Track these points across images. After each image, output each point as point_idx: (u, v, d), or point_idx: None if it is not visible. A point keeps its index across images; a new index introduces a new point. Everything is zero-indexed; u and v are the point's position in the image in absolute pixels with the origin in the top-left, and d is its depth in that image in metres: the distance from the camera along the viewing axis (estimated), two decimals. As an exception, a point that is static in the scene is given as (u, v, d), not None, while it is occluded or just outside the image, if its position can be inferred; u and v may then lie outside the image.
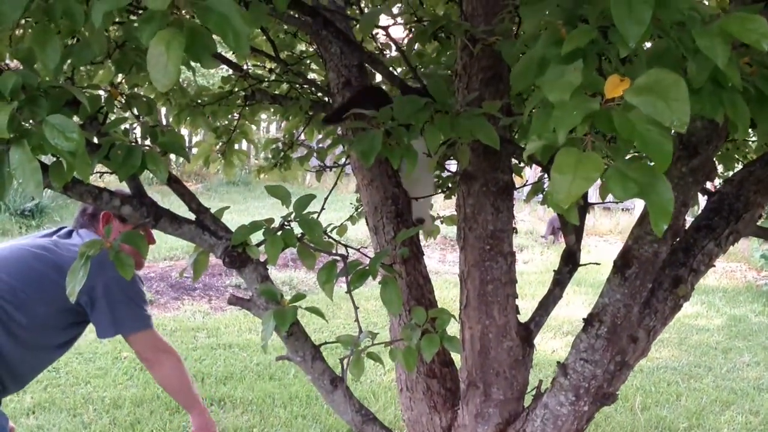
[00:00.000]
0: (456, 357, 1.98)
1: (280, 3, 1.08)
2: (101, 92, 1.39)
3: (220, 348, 5.29)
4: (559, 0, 0.96)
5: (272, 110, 2.92)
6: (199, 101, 2.60)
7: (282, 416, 4.24)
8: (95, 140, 1.34)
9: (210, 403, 4.36)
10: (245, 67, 2.76)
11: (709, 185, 2.23)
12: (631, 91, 0.72)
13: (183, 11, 0.94)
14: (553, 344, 5.67)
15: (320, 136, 2.89)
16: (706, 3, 2.92)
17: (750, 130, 1.54)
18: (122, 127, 1.37)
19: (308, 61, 2.82)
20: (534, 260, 8.90)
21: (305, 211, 1.43)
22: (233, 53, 2.70)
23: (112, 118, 1.39)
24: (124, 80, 1.82)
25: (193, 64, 1.00)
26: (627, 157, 0.80)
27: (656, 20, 0.80)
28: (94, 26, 0.96)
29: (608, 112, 0.74)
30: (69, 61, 1.37)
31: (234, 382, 4.71)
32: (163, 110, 2.93)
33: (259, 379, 4.77)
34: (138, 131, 1.36)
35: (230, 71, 2.72)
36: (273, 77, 2.75)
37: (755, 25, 0.74)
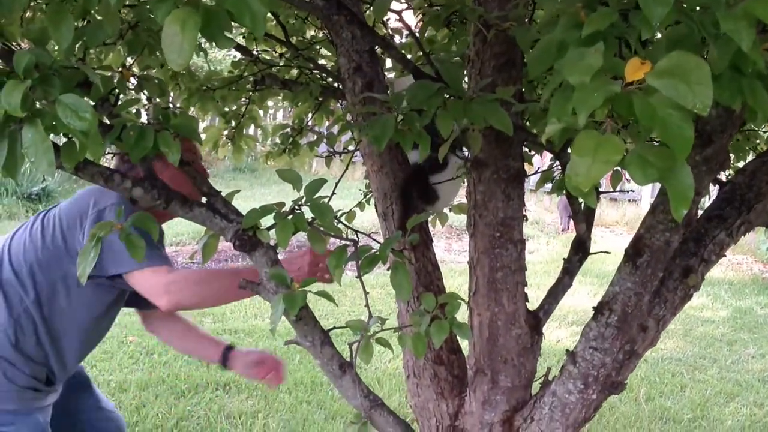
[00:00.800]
0: (464, 344, 1.97)
1: (295, -16, 1.07)
2: (113, 73, 1.38)
3: (225, 333, 5.31)
4: (578, -17, 0.95)
5: (281, 96, 2.91)
6: (209, 86, 2.60)
7: (287, 401, 4.25)
8: (107, 121, 1.34)
9: (215, 388, 4.38)
10: (255, 51, 2.75)
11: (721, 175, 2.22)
12: (653, 74, 0.71)
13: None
14: (558, 333, 5.67)
15: (329, 122, 2.88)
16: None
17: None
18: (133, 108, 1.36)
19: (318, 47, 2.81)
20: (540, 250, 8.89)
21: (316, 196, 1.42)
22: (245, 37, 2.69)
23: (124, 100, 1.39)
24: (135, 62, 1.81)
25: (205, 46, 1.00)
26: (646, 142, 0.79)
27: (679, 3, 0.79)
28: (110, 5, 0.95)
29: (629, 95, 0.73)
30: (80, 43, 1.37)
31: (239, 367, 4.72)
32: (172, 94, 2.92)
33: (264, 365, 4.78)
34: (149, 113, 1.35)
35: (240, 55, 2.71)
36: (283, 62, 2.74)
37: (781, 7, 0.73)
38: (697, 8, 0.82)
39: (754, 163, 1.75)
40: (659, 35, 1.04)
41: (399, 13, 1.61)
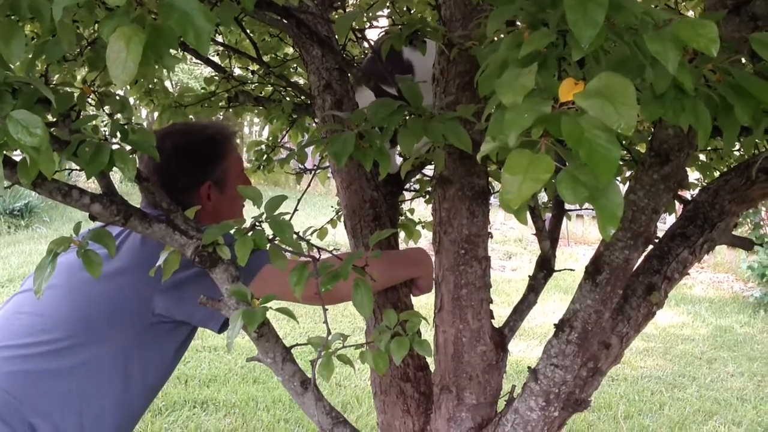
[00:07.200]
0: (431, 361, 1.97)
1: (247, 2, 1.08)
2: (75, 90, 1.38)
3: (204, 350, 5.29)
4: (523, 3, 0.96)
5: (256, 112, 2.91)
6: (181, 102, 2.60)
7: (264, 419, 4.23)
8: (68, 137, 1.33)
9: (193, 406, 4.35)
10: (230, 68, 2.76)
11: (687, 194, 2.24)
12: (582, 94, 0.72)
13: (148, 10, 0.94)
14: (537, 352, 5.67)
15: (303, 140, 2.89)
16: (691, 13, 2.94)
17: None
18: (93, 124, 1.36)
19: (295, 65, 2.82)
20: (522, 268, 8.90)
21: (276, 212, 1.43)
22: (218, 54, 2.70)
23: (83, 116, 1.38)
24: (98, 78, 1.81)
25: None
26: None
27: (611, 24, 0.80)
28: (64, 21, 0.96)
29: (558, 116, 0.74)
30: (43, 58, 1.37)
31: (217, 384, 4.70)
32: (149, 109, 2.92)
33: (242, 382, 4.76)
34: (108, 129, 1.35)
35: (212, 71, 2.72)
36: (256, 79, 2.75)
37: (705, 30, 0.74)
38: (631, 29, 0.84)
39: (717, 182, 1.77)
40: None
41: (362, 31, 1.62)
